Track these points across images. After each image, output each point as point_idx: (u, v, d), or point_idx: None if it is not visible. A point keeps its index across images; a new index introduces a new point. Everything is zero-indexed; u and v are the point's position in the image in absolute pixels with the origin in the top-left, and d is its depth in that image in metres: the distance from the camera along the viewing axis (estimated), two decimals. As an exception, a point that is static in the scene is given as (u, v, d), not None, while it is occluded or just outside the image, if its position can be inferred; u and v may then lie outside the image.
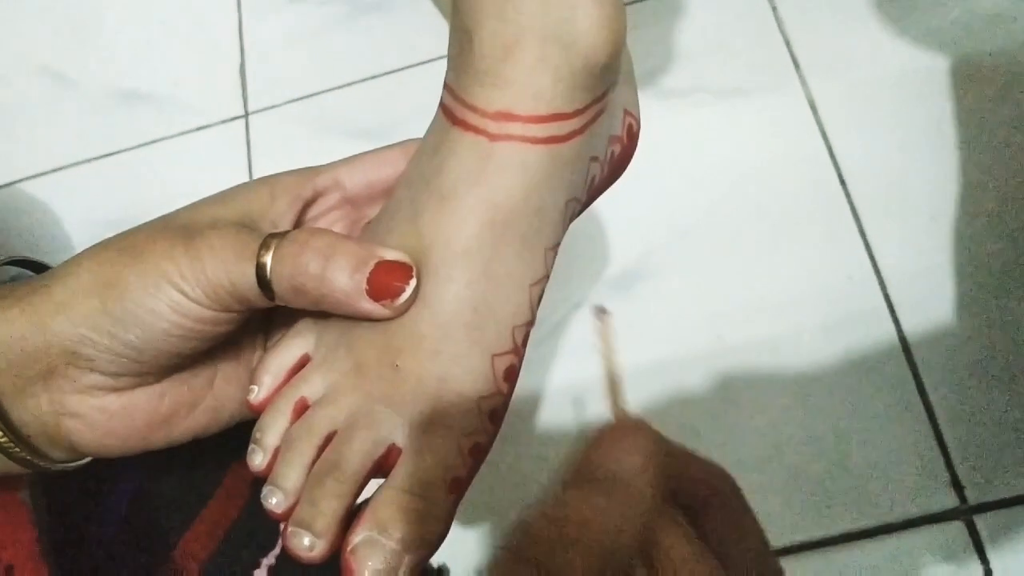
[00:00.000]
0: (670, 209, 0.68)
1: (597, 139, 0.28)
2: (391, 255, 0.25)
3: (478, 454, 0.26)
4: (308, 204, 0.30)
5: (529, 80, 0.25)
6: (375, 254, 0.25)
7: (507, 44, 0.25)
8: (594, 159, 0.29)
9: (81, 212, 0.82)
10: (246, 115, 0.82)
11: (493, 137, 0.25)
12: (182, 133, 0.83)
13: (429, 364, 0.26)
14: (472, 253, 0.26)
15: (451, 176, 0.26)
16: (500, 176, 0.26)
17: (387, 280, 0.25)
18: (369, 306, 0.25)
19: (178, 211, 0.28)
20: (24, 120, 0.87)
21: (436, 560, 0.32)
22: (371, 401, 0.26)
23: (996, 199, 0.65)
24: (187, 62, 0.86)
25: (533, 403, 0.65)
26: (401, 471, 0.25)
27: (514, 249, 0.26)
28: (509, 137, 0.25)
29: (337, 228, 0.31)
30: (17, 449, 0.26)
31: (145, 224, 0.27)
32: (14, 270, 0.31)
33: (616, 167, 0.32)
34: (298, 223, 0.29)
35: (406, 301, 0.25)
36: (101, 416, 0.26)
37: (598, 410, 0.64)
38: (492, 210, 0.26)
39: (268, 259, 0.25)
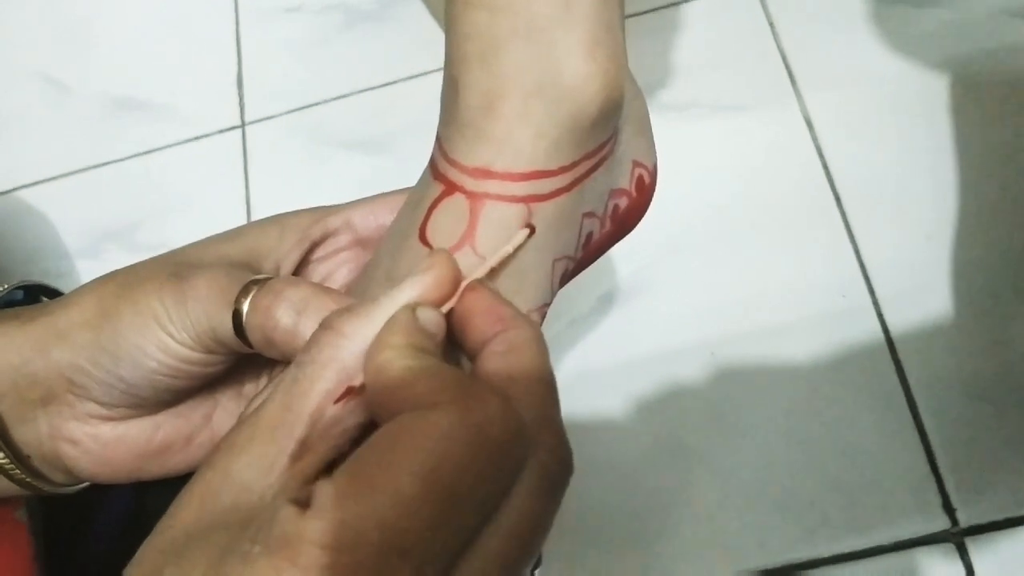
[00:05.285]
0: (664, 224, 0.68)
1: (592, 194, 0.27)
2: None
3: None
4: (316, 244, 0.29)
5: (508, 136, 0.24)
6: None
7: (490, 97, 0.24)
8: (589, 215, 0.27)
9: (78, 220, 0.82)
10: (243, 125, 0.82)
11: (470, 195, 0.25)
12: (179, 143, 0.83)
13: None
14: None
15: (427, 233, 0.25)
16: (476, 235, 0.25)
17: None
18: None
19: (187, 247, 0.28)
20: (21, 128, 0.87)
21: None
22: None
23: (993, 217, 0.65)
24: (184, 71, 0.86)
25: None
26: None
27: None
28: (486, 195, 0.24)
29: (345, 269, 0.30)
30: (18, 471, 0.27)
31: (152, 259, 0.27)
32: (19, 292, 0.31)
33: (624, 220, 0.30)
34: (304, 262, 0.29)
35: None
36: (95, 444, 0.27)
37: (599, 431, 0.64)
38: (467, 270, 0.25)
39: (245, 306, 0.24)
